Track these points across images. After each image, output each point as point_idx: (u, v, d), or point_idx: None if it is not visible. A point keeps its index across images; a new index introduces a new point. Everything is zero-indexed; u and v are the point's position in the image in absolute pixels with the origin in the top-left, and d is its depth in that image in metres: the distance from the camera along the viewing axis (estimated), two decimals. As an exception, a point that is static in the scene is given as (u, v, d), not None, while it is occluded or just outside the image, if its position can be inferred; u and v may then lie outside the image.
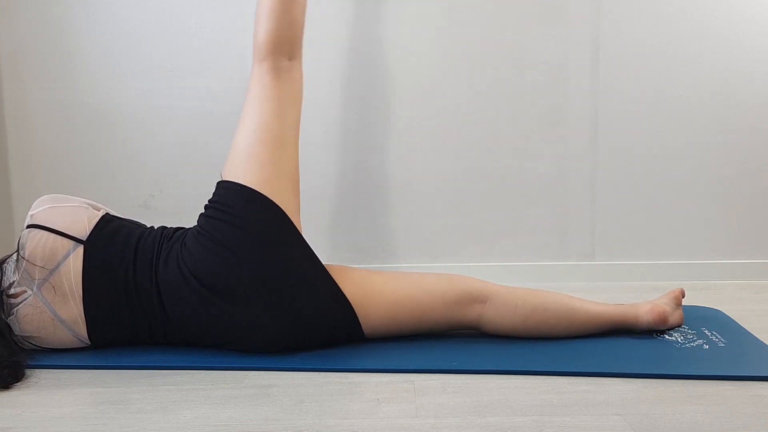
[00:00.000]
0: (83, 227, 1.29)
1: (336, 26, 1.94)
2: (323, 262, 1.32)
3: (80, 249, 1.27)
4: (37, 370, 1.24)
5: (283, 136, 1.33)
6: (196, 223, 1.34)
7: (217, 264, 1.25)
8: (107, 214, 1.36)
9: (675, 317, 1.42)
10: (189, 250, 1.27)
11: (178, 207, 1.98)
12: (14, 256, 1.29)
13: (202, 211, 1.35)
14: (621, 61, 1.93)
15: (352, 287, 1.30)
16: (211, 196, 1.35)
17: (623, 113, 1.95)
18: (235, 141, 1.35)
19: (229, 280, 1.24)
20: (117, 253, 1.28)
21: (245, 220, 1.26)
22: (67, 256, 1.26)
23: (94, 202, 1.38)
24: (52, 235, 1.26)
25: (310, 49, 1.95)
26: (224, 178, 1.33)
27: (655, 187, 1.97)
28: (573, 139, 1.96)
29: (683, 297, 1.45)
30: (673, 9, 1.91)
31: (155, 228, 1.38)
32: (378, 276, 1.35)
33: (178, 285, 1.26)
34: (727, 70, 1.92)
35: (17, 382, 1.19)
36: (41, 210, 1.30)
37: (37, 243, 1.25)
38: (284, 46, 1.38)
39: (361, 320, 1.30)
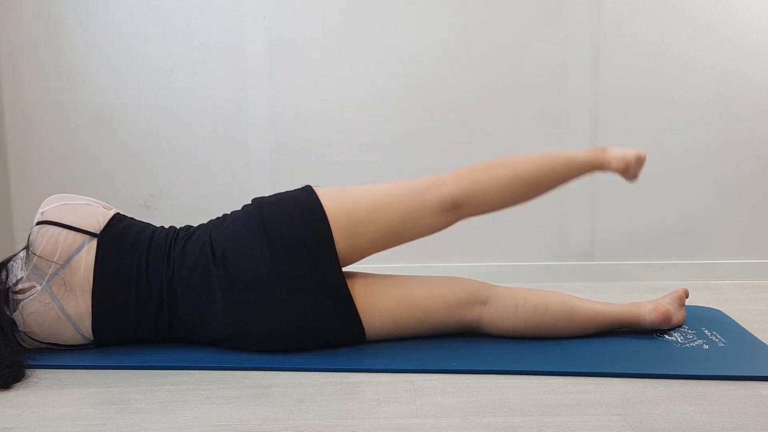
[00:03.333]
0: (97, 222, 1.31)
1: (336, 27, 1.94)
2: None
3: (94, 242, 1.28)
4: (37, 370, 1.24)
5: (389, 220, 1.32)
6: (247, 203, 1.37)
7: (245, 240, 1.27)
8: (118, 213, 1.38)
9: (678, 317, 1.42)
10: (227, 221, 1.31)
11: (178, 207, 1.98)
12: (21, 254, 1.30)
13: (214, 218, 1.38)
14: (621, 61, 1.93)
15: (356, 293, 1.30)
16: (291, 189, 1.36)
17: (623, 113, 1.95)
18: (359, 185, 1.36)
19: (248, 259, 1.26)
20: (130, 245, 1.30)
21: (295, 225, 1.27)
22: (79, 249, 1.27)
23: (103, 203, 1.39)
24: (65, 230, 1.27)
25: (312, 49, 1.95)
26: (315, 188, 1.34)
27: (655, 187, 1.97)
28: (573, 139, 1.96)
29: (687, 297, 1.45)
30: (673, 9, 1.91)
31: (164, 228, 1.40)
32: (381, 280, 1.35)
33: (194, 267, 1.28)
34: (727, 70, 1.92)
35: (17, 382, 1.19)
36: (52, 207, 1.31)
37: (49, 238, 1.26)
38: (469, 210, 1.37)
39: (364, 325, 1.31)
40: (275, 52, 1.95)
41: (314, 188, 1.34)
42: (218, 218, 1.38)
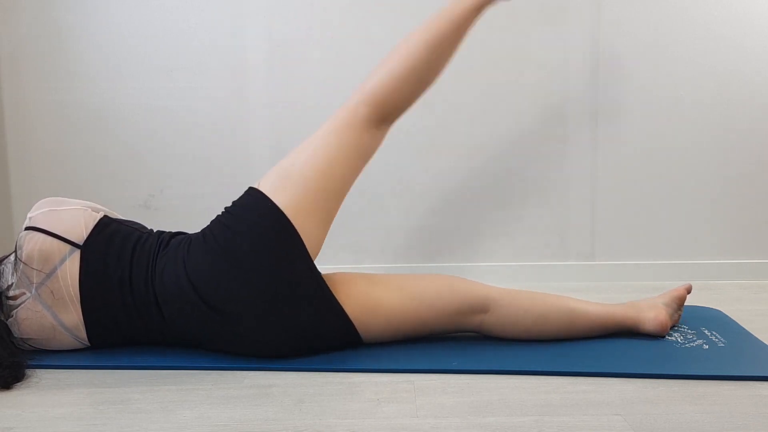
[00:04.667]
0: (80, 231, 1.28)
1: (336, 27, 1.94)
2: (324, 264, 1.31)
3: (77, 254, 1.26)
4: (37, 370, 1.24)
5: (338, 179, 1.28)
6: (206, 227, 1.31)
7: (215, 273, 1.22)
8: (105, 216, 1.34)
9: (674, 318, 1.41)
10: (192, 254, 1.25)
11: (178, 207, 1.98)
12: (12, 257, 1.29)
13: (217, 213, 1.32)
14: (621, 61, 1.93)
15: (352, 301, 1.27)
16: (237, 198, 1.30)
17: (623, 113, 1.95)
18: (291, 156, 1.29)
19: (225, 291, 1.22)
20: (113, 259, 1.27)
21: (257, 234, 1.22)
22: (63, 260, 1.25)
23: (93, 204, 1.36)
24: (49, 238, 1.25)
25: (312, 49, 1.95)
26: (259, 187, 1.27)
27: (655, 187, 1.97)
28: (573, 139, 1.96)
29: (688, 293, 1.44)
30: (673, 9, 1.91)
31: (153, 232, 1.36)
32: (378, 286, 1.31)
33: (173, 294, 1.24)
34: (727, 70, 1.92)
35: (18, 382, 1.19)
36: (40, 213, 1.29)
37: (33, 245, 1.25)
38: (390, 109, 1.33)
39: (361, 333, 1.30)
40: (275, 52, 1.95)
41: (258, 188, 1.27)
42: (186, 241, 1.29)
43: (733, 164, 1.96)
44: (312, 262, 1.25)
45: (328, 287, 1.26)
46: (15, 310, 1.25)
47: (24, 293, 1.25)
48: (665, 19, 1.91)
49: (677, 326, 1.44)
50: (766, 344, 1.33)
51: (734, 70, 1.92)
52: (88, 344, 1.30)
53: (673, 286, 1.49)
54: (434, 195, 1.98)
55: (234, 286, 1.22)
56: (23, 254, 1.25)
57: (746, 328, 1.44)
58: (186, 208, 1.98)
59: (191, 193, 1.99)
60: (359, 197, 1.98)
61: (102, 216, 1.34)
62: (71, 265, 1.25)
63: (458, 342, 1.36)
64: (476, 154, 1.97)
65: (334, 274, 1.33)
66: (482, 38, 1.93)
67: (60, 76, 1.95)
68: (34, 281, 1.25)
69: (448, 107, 1.95)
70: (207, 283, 1.22)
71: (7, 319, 1.26)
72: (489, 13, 1.94)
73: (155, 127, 1.97)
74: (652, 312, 1.37)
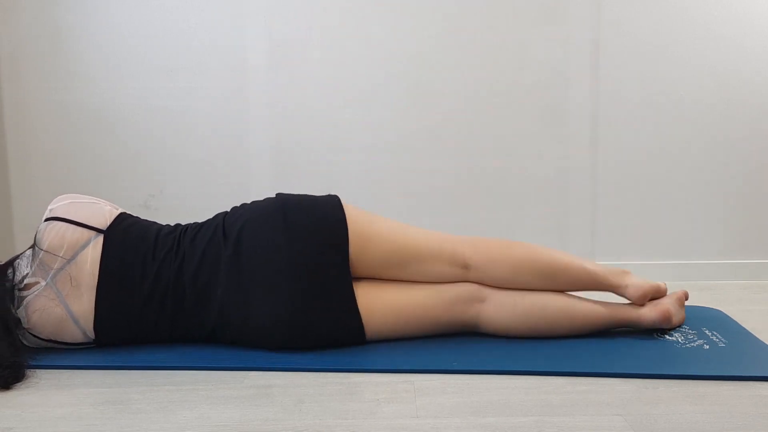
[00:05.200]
0: (104, 219, 1.33)
1: (336, 27, 1.94)
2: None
3: (100, 239, 1.30)
4: (37, 370, 1.24)
5: (398, 253, 1.34)
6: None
7: (266, 229, 1.29)
8: (124, 212, 1.40)
9: (678, 317, 1.42)
10: (248, 209, 1.34)
11: (178, 207, 1.98)
12: (27, 252, 1.31)
13: (226, 210, 1.39)
14: (621, 61, 1.93)
15: (359, 292, 1.31)
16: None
17: (623, 113, 1.95)
18: (391, 219, 1.40)
19: (260, 240, 1.28)
20: (137, 241, 1.32)
21: (317, 226, 1.30)
22: (86, 245, 1.29)
23: (110, 202, 1.41)
24: (72, 226, 1.29)
25: (312, 49, 1.95)
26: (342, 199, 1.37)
27: (655, 187, 1.97)
28: (573, 139, 1.96)
29: (687, 299, 1.45)
30: (673, 9, 1.91)
31: (171, 225, 1.41)
32: (383, 280, 1.37)
33: (203, 253, 1.29)
34: (727, 70, 1.92)
35: (18, 382, 1.19)
36: (61, 204, 1.33)
37: (56, 233, 1.28)
38: (475, 274, 1.36)
39: (365, 321, 1.31)
40: (275, 52, 1.95)
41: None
42: (234, 207, 1.39)
43: (733, 164, 1.96)
44: (349, 271, 1.31)
45: (354, 297, 1.30)
46: (26, 299, 1.26)
47: (38, 282, 1.27)
48: (665, 19, 1.91)
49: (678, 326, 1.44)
50: (766, 344, 1.33)
51: (734, 70, 1.92)
52: (93, 337, 1.31)
53: (674, 286, 1.50)
54: (434, 195, 1.98)
55: (273, 241, 1.27)
56: (45, 243, 1.27)
57: (746, 328, 1.44)
58: (186, 208, 1.97)
59: (191, 193, 1.99)
60: (361, 197, 1.98)
61: (121, 212, 1.39)
62: (93, 251, 1.29)
63: (458, 342, 1.36)
64: (476, 154, 1.97)
65: None
66: (483, 38, 1.94)
67: (60, 76, 1.95)
68: (54, 267, 1.26)
69: (448, 107, 1.95)
70: (248, 228, 1.30)
71: (17, 309, 1.27)
72: (489, 13, 1.95)
73: (155, 127, 1.97)
74: (651, 303, 1.38)
